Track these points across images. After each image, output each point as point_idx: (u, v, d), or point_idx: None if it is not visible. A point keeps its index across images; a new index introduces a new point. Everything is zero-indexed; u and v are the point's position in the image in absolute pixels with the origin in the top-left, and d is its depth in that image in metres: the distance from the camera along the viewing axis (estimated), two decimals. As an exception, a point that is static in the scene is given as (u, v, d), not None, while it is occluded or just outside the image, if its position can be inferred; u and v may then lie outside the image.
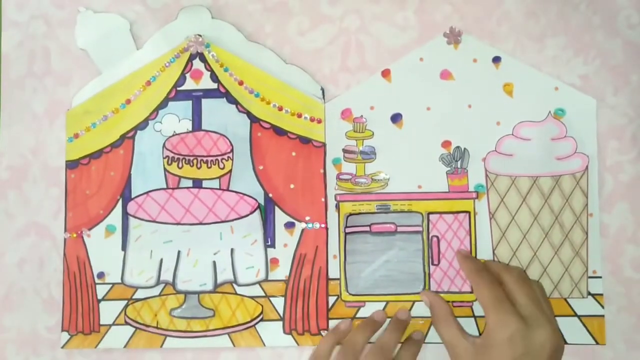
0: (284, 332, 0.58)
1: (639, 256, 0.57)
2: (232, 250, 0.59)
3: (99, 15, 0.61)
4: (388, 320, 0.57)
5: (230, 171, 0.59)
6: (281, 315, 0.58)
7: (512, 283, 0.52)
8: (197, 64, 0.60)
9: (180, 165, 0.59)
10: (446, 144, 0.58)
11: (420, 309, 0.57)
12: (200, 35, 0.59)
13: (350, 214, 0.58)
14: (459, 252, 0.57)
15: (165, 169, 0.59)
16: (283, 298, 0.58)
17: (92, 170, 0.60)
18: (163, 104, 0.60)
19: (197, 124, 0.60)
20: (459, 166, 0.58)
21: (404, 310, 0.57)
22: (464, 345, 0.51)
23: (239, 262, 0.58)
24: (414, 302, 0.58)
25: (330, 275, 0.58)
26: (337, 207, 0.59)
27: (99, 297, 0.59)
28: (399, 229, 0.58)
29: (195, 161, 0.59)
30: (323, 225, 0.58)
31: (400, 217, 0.58)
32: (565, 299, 0.57)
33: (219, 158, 0.59)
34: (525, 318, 0.49)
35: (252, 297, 0.58)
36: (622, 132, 0.58)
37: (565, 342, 0.55)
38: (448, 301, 0.57)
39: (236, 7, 0.60)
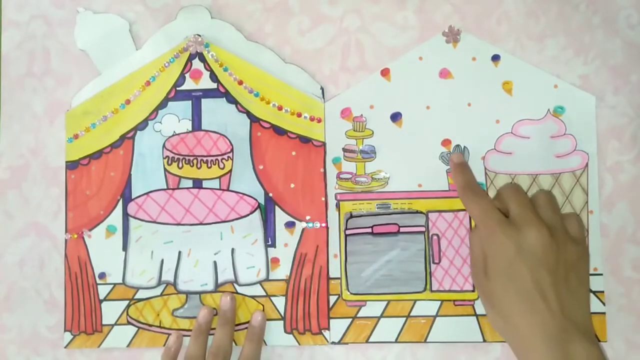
0: (285, 331, 0.58)
1: (639, 256, 0.57)
2: (232, 250, 0.58)
3: (99, 15, 0.60)
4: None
5: (230, 171, 0.59)
6: (282, 314, 0.58)
7: (504, 195, 0.51)
8: (197, 63, 0.60)
9: (180, 165, 0.59)
10: (446, 142, 0.58)
11: (422, 309, 0.57)
12: (199, 35, 0.59)
13: (351, 215, 0.58)
14: (452, 161, 0.55)
15: (165, 169, 0.59)
16: (284, 297, 0.58)
17: (92, 171, 0.60)
18: (163, 104, 0.60)
19: (197, 124, 0.60)
20: (459, 165, 0.58)
21: (227, 300, 0.57)
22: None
23: (239, 262, 0.58)
24: (415, 301, 0.57)
25: (331, 275, 0.58)
26: (338, 206, 0.59)
27: (101, 297, 0.59)
28: (402, 229, 0.58)
29: (195, 161, 0.59)
30: (323, 225, 0.58)
31: (403, 218, 0.58)
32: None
33: (219, 158, 0.59)
34: (513, 221, 0.48)
35: (253, 297, 0.58)
36: (622, 132, 0.58)
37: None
38: (449, 300, 0.57)
39: (236, 7, 0.61)
